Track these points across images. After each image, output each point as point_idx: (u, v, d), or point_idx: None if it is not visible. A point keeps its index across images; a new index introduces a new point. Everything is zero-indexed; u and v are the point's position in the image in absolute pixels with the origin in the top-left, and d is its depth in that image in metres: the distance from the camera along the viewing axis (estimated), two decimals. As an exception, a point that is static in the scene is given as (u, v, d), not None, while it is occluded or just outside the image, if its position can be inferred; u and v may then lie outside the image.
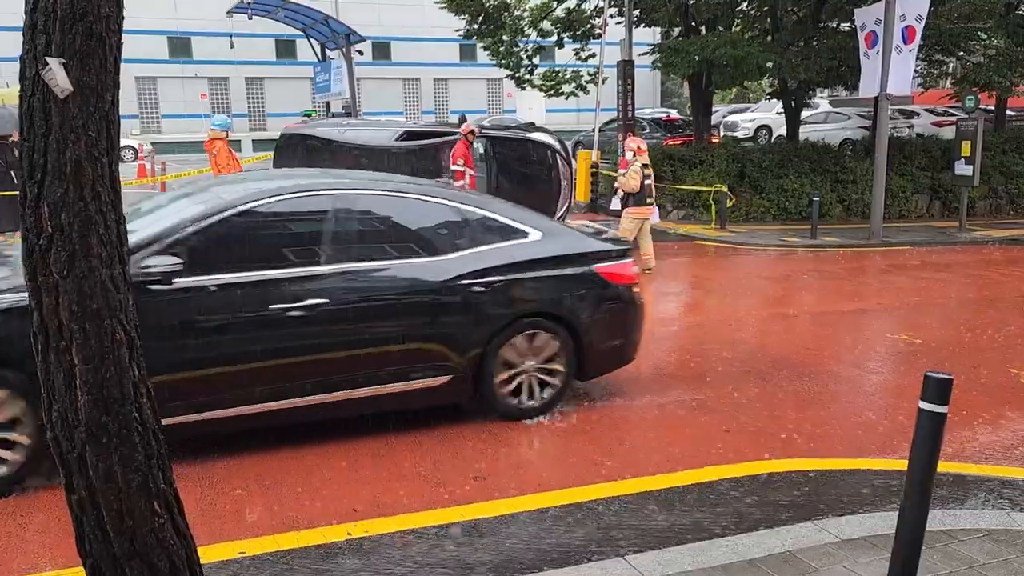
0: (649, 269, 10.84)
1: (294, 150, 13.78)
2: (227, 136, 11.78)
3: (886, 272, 11.85)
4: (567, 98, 20.22)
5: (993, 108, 20.81)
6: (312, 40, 25.05)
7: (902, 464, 4.62)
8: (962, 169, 15.84)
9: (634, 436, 5.15)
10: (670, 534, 3.83)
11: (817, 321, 8.41)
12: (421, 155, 13.13)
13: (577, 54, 19.70)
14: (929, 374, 3.22)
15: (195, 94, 37.81)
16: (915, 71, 16.18)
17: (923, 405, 3.21)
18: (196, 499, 4.02)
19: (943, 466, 3.75)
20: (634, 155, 10.88)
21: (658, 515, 4.05)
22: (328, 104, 24.95)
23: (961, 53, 18.67)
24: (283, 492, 4.20)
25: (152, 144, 31.75)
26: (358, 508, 4.04)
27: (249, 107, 39.92)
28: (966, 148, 15.73)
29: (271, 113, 37.89)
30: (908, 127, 22.97)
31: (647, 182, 10.75)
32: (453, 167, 12.02)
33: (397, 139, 13.39)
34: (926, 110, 24.89)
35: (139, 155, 20.77)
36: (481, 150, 13.05)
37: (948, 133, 21.54)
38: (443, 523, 3.91)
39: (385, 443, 4.82)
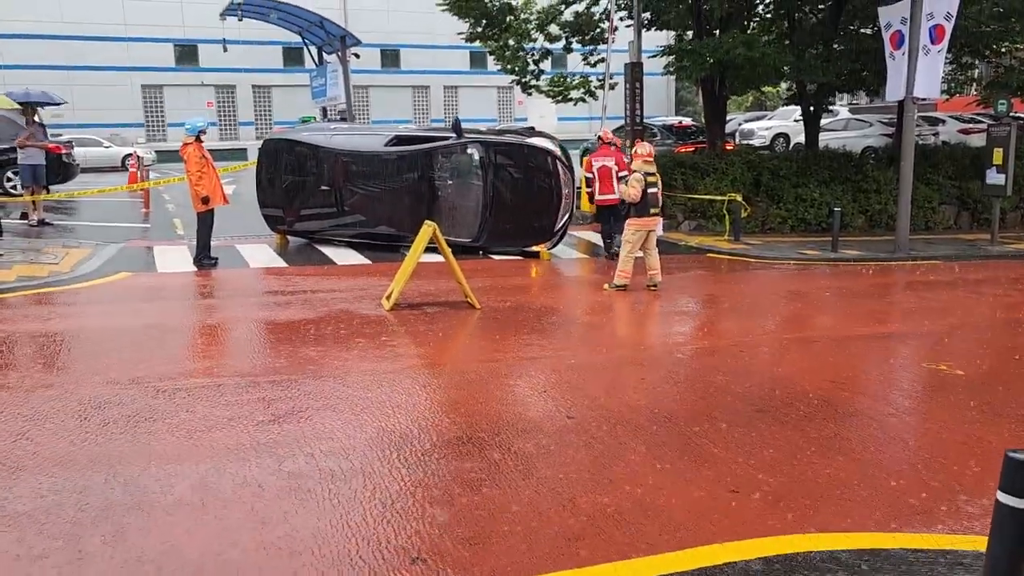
0: (655, 285, 10.04)
1: (279, 157, 12.99)
2: (198, 139, 10.96)
3: (915, 289, 10.89)
4: (575, 104, 19.38)
5: (1022, 115, 19.78)
6: (308, 44, 24.37)
7: (959, 541, 3.73)
8: (994, 178, 14.84)
9: (619, 497, 4.23)
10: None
11: (841, 348, 7.47)
12: (412, 161, 12.31)
13: (586, 59, 18.92)
14: (1011, 455, 2.32)
15: (201, 102, 37.33)
16: (942, 75, 15.20)
17: (1003, 498, 2.30)
18: None
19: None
20: (642, 161, 10.03)
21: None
22: (324, 110, 24.23)
23: (988, 54, 17.65)
24: None
25: (156, 152, 31.33)
26: None
27: (256, 115, 39.39)
28: (998, 156, 14.73)
29: (278, 121, 37.29)
30: (933, 135, 21.93)
31: (651, 191, 9.88)
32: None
33: (387, 144, 12.57)
34: (952, 117, 23.84)
35: (131, 163, 20.13)
36: (476, 156, 12.20)
37: (975, 141, 20.55)
38: None
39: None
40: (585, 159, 13.82)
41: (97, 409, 5.38)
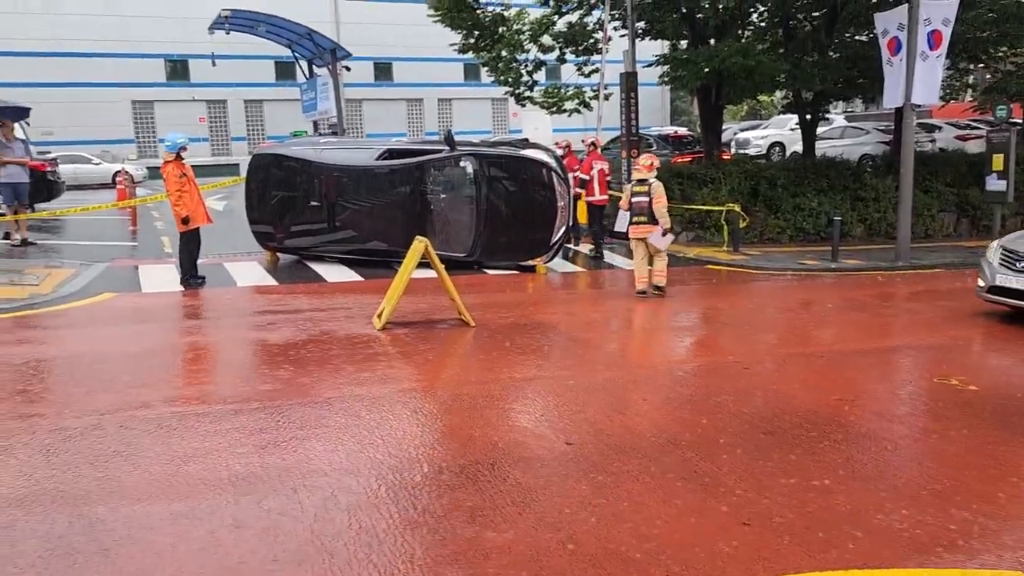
0: (643, 292, 10.22)
1: (268, 173, 12.71)
2: (179, 156, 10.64)
3: (919, 299, 10.65)
4: (570, 115, 19.20)
5: (1020, 120, 19.63)
6: (298, 57, 24.12)
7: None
8: (994, 184, 14.66)
9: (623, 532, 3.94)
10: None
11: (847, 363, 7.19)
12: (404, 174, 12.05)
13: (580, 69, 18.74)
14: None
15: (193, 117, 37.06)
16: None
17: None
18: None
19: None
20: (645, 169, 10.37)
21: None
22: (316, 124, 23.95)
23: (985, 59, 17.51)
24: None
25: (148, 169, 31.00)
26: None
27: (248, 130, 39.15)
28: (998, 162, 14.57)
29: (271, 135, 37.04)
30: (930, 141, 21.75)
31: (634, 199, 10.18)
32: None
33: (378, 158, 12.32)
34: (948, 123, 23.69)
35: (120, 180, 19.84)
36: (469, 169, 11.95)
37: (972, 147, 20.38)
38: None
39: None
40: (584, 161, 13.97)
41: (66, 441, 5.08)
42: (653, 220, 10.00)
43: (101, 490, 4.38)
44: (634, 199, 10.09)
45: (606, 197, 13.76)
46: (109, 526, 3.97)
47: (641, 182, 10.13)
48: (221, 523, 4.00)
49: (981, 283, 9.12)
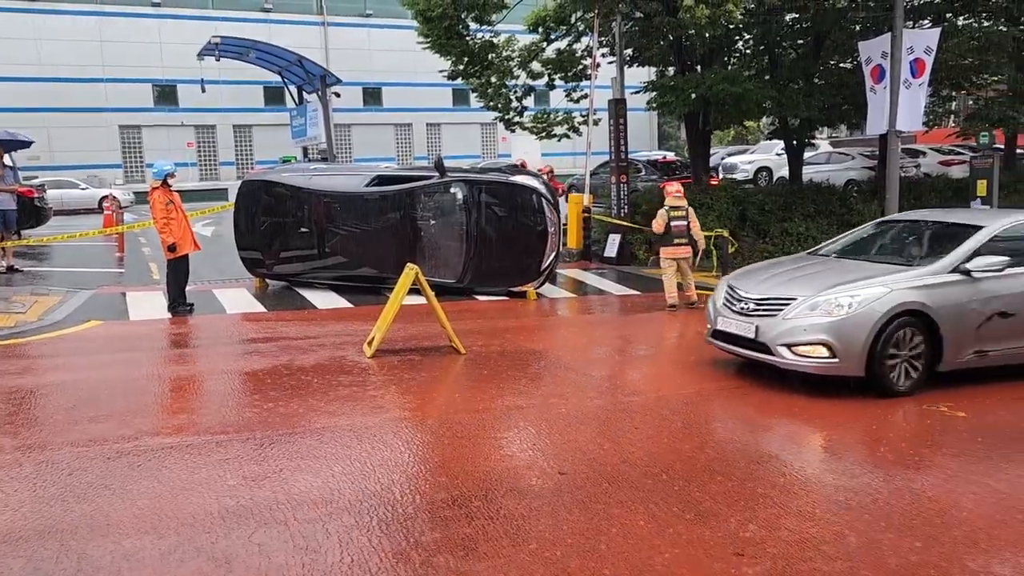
0: (692, 303, 11.14)
1: (257, 199, 12.69)
2: (166, 183, 10.61)
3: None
4: (559, 140, 19.33)
5: (1002, 146, 19.91)
6: (288, 83, 24.24)
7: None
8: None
9: (617, 565, 3.91)
10: None
11: (832, 387, 7.19)
12: (394, 200, 12.07)
13: (569, 95, 18.89)
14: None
15: (181, 142, 37.12)
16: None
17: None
18: None
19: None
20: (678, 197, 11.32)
21: None
22: (305, 149, 24.02)
23: (968, 86, 17.79)
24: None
25: (135, 194, 30.92)
26: None
27: (237, 155, 39.19)
28: (982, 187, 14.71)
29: (259, 160, 37.11)
30: (915, 167, 22.00)
31: (674, 223, 11.04)
32: None
33: (368, 184, 12.33)
34: (932, 149, 24.00)
35: (107, 206, 19.77)
36: (459, 195, 11.98)
37: (956, 172, 20.63)
38: None
39: None
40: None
41: (53, 474, 5.02)
42: (692, 241, 11.15)
43: (88, 525, 4.32)
44: (674, 223, 11.05)
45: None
46: (96, 562, 3.90)
47: (676, 208, 11.10)
48: (211, 558, 3.94)
49: (708, 325, 7.84)
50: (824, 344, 6.63)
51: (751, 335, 7.06)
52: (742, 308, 7.25)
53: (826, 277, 7.26)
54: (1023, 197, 17.04)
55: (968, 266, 6.94)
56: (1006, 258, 6.95)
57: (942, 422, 6.21)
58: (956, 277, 6.91)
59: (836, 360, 6.64)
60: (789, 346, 6.78)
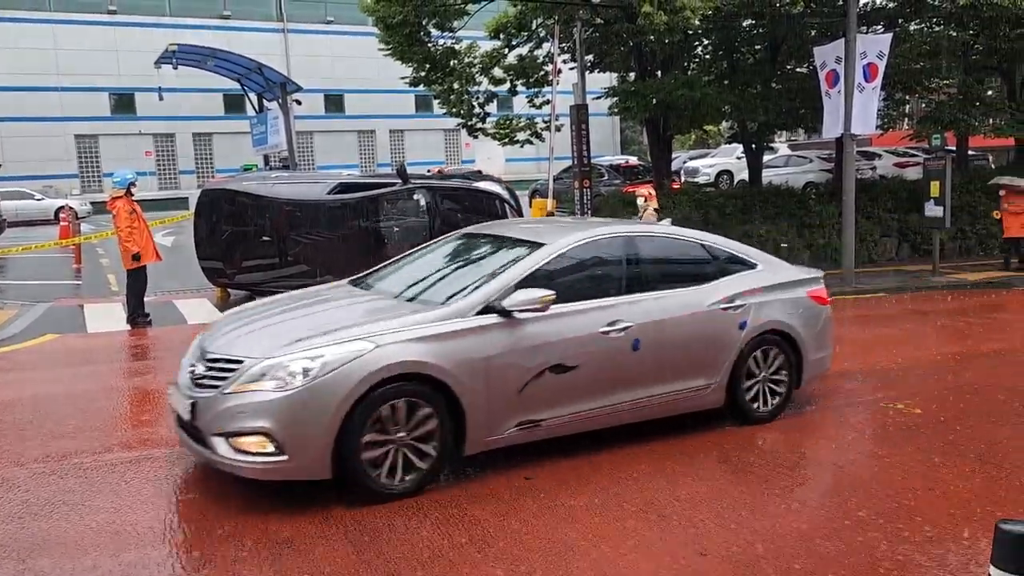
0: None
1: (218, 207, 12.55)
2: (128, 192, 10.48)
3: (866, 323, 10.94)
4: (522, 146, 19.43)
5: (954, 148, 20.44)
6: (248, 91, 24.03)
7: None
8: (932, 211, 15.14)
9: (582, 567, 3.95)
10: None
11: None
12: (357, 208, 12.02)
13: (531, 101, 19.00)
14: (1003, 526, 2.14)
15: (139, 151, 36.52)
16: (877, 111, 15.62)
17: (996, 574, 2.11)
18: None
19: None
20: (645, 200, 11.54)
21: None
22: (267, 157, 23.82)
23: (920, 90, 18.26)
24: None
25: (92, 204, 30.37)
26: None
27: (197, 163, 38.69)
28: (935, 189, 15.06)
29: (220, 169, 36.67)
30: (871, 169, 22.51)
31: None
32: None
33: (330, 192, 12.27)
34: (887, 151, 24.56)
35: (63, 217, 19.42)
36: (422, 202, 11.97)
37: (911, 174, 21.13)
38: None
39: None
40: None
41: (9, 492, 4.91)
42: None
43: (46, 541, 4.24)
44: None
45: None
46: (54, 581, 3.83)
47: (657, 210, 11.51)
48: (174, 574, 3.90)
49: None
50: (266, 434, 4.43)
51: (188, 415, 4.73)
52: (192, 373, 4.95)
53: (301, 324, 5.15)
54: (974, 199, 17.56)
55: (506, 303, 4.98)
56: (552, 292, 5.03)
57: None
58: (489, 320, 4.97)
59: (284, 458, 4.43)
60: (227, 436, 4.52)
